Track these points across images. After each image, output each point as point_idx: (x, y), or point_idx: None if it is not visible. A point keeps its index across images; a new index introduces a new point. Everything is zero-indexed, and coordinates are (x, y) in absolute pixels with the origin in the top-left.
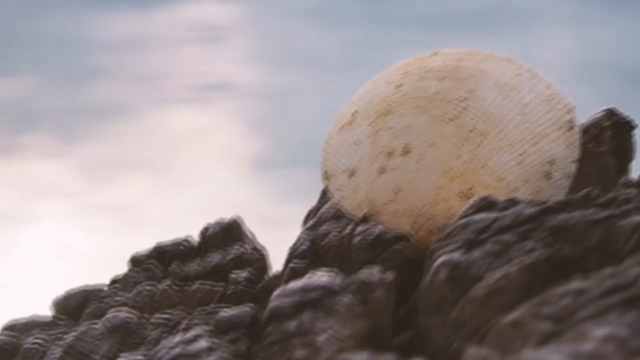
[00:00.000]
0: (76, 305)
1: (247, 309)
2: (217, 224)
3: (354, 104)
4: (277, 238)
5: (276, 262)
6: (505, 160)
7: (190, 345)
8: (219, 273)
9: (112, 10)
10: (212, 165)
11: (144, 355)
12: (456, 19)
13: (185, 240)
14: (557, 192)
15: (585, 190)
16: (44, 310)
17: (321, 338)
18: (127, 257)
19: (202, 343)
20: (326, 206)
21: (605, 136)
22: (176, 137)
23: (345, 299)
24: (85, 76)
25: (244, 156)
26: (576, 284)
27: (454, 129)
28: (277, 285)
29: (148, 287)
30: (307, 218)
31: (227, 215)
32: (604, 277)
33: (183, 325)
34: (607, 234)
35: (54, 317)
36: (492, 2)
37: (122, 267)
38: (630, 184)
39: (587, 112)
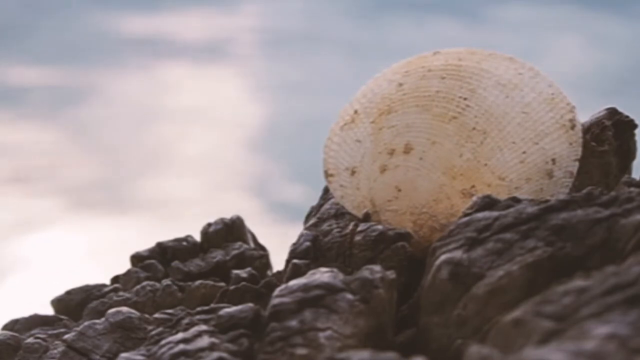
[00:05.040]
0: (77, 303)
1: (249, 306)
2: (219, 222)
3: (356, 103)
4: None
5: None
6: (507, 158)
7: (192, 343)
8: (220, 271)
9: None
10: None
11: (146, 352)
12: None
13: (187, 238)
14: (559, 191)
15: (587, 189)
16: (45, 309)
17: (323, 336)
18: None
19: (204, 341)
20: (328, 204)
21: (607, 135)
22: None
23: (347, 297)
24: None
25: None
26: (578, 282)
27: (455, 128)
28: (279, 283)
29: (149, 285)
30: (309, 216)
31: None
32: (606, 276)
33: (185, 323)
34: (609, 232)
35: (55, 315)
36: None
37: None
38: (632, 183)
39: (588, 111)
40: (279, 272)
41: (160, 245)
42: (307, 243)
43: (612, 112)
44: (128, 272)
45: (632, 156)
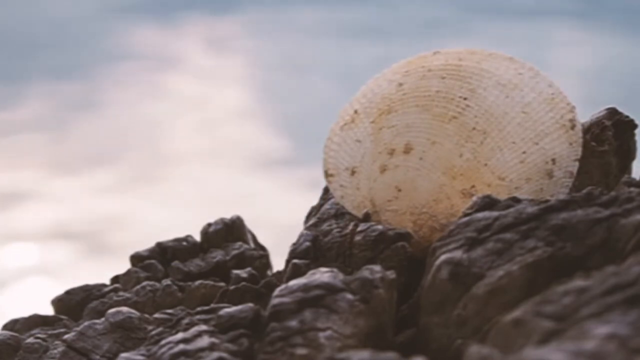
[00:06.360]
0: (77, 303)
1: (249, 306)
2: (219, 222)
3: (356, 103)
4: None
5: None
6: (507, 158)
7: (192, 343)
8: (220, 271)
9: None
10: None
11: (146, 352)
12: None
13: (187, 238)
14: (559, 191)
15: (587, 189)
16: (45, 309)
17: (323, 336)
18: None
19: (204, 341)
20: (328, 204)
21: (607, 135)
22: None
23: (347, 297)
24: None
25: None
26: (578, 282)
27: (455, 128)
28: (279, 283)
29: (149, 285)
30: (309, 216)
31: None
32: (606, 276)
33: (185, 323)
34: (609, 232)
35: (55, 315)
36: None
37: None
38: (632, 183)
39: (589, 111)
40: (279, 272)
41: (160, 245)
42: (307, 243)
43: (612, 112)
44: (128, 272)
45: (632, 156)
